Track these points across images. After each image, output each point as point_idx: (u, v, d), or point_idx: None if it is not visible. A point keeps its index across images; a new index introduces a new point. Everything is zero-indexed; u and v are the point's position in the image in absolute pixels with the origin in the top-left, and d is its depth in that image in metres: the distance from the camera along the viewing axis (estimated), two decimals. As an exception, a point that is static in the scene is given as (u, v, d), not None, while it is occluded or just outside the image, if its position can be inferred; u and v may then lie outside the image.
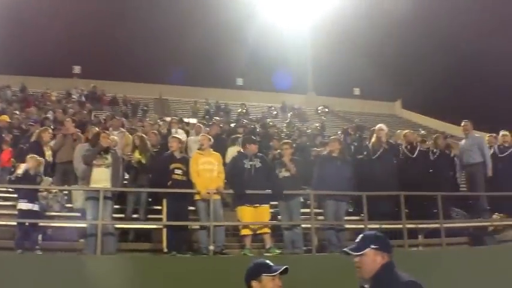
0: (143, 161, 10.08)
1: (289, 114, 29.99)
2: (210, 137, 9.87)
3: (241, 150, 9.71)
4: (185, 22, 40.26)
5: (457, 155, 11.92)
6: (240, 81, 40.38)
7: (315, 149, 11.46)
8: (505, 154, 11.53)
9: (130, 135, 11.54)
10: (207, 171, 9.11)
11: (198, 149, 9.69)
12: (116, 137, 10.58)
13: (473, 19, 39.47)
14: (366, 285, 3.50)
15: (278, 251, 8.80)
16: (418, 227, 10.06)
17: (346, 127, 13.66)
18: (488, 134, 12.36)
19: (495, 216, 10.83)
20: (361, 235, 3.59)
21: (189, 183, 9.11)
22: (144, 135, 10.95)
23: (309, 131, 17.45)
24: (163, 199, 9.03)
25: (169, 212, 8.91)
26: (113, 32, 41.38)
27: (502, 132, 12.02)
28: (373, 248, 3.44)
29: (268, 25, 38.75)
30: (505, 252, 9.94)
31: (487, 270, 9.10)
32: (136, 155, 10.16)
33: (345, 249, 3.55)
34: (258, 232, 9.05)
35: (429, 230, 10.22)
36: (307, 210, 9.43)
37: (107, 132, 10.16)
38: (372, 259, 3.44)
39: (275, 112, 31.46)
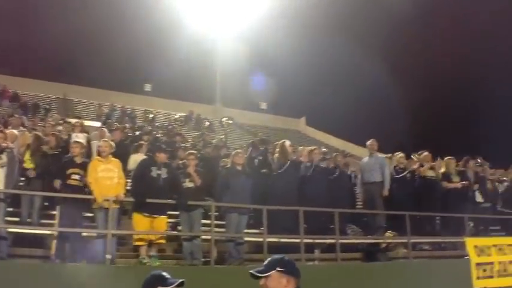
0: (31, 164, 9.61)
1: (195, 124, 29.88)
2: (112, 143, 9.64)
3: (147, 158, 9.59)
4: (98, 24, 39.07)
5: (355, 173, 12.36)
6: (148, 87, 39.78)
7: (224, 159, 11.50)
8: (400, 175, 12.10)
9: (29, 135, 11.02)
10: (107, 179, 8.93)
11: (98, 155, 9.43)
12: (16, 134, 10.10)
13: (376, 43, 41.21)
14: None
15: (158, 262, 8.66)
16: (315, 241, 10.29)
17: (252, 140, 13.76)
18: (385, 155, 12.89)
19: (388, 234, 11.30)
20: (269, 258, 3.62)
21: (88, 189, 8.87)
22: (40, 135, 10.52)
23: (214, 141, 17.45)
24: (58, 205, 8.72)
25: (62, 218, 8.59)
26: (21, 26, 39.51)
27: (399, 155, 12.61)
28: (278, 270, 3.47)
29: (183, 33, 38.43)
30: (395, 269, 10.46)
31: (378, 285, 9.55)
32: (27, 156, 9.69)
33: (251, 271, 3.55)
34: (154, 242, 8.93)
35: (325, 245, 10.47)
36: (209, 221, 9.43)
37: (3, 130, 9.65)
38: (277, 281, 3.46)
39: (181, 121, 31.20)
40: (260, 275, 3.49)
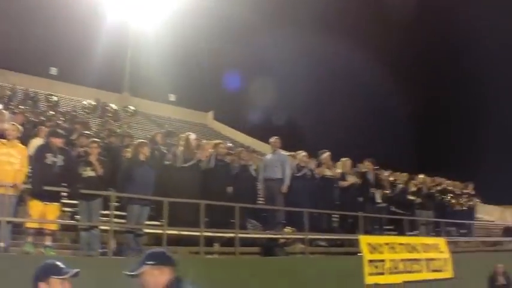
0: None
1: (100, 112, 29.15)
2: (19, 127, 9.17)
3: (43, 144, 9.25)
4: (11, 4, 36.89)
5: (257, 169, 12.55)
6: (53, 71, 38.13)
7: (127, 150, 11.32)
8: (300, 173, 12.45)
9: None
10: (6, 163, 8.50)
11: (2, 138, 8.97)
12: None
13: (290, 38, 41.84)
14: None
15: (53, 252, 8.45)
16: (215, 235, 10.39)
17: (156, 132, 13.64)
18: (288, 153, 13.18)
19: (287, 229, 11.59)
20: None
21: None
22: None
23: (118, 131, 17.14)
24: None
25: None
26: None
27: (302, 153, 12.94)
28: (149, 264, 3.54)
29: (97, 19, 37.26)
30: (292, 264, 10.77)
31: (276, 279, 9.80)
32: None
33: (124, 272, 3.61)
34: (47, 231, 8.65)
35: (225, 239, 10.60)
36: (109, 212, 9.28)
37: None
38: (151, 275, 3.53)
39: (89, 108, 30.27)
40: (133, 273, 3.55)
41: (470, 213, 18.54)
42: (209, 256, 10.22)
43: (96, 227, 9.15)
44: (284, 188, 12.00)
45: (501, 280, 13.52)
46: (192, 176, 10.77)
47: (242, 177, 11.86)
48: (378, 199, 14.13)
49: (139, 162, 9.85)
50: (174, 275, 3.57)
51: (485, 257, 15.81)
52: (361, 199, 13.57)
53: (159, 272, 3.52)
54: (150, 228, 10.04)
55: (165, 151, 11.58)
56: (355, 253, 12.17)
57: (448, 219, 16.56)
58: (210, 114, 42.39)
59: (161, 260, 3.58)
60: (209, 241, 10.26)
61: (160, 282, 3.52)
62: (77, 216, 9.49)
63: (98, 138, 11.52)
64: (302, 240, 11.56)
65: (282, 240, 11.60)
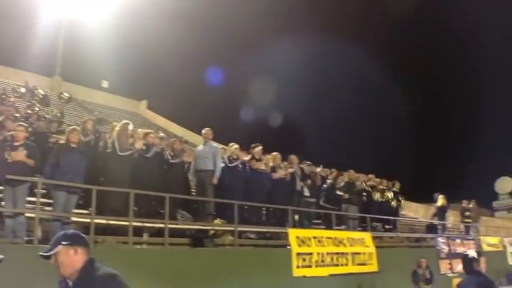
0: None
1: (29, 95, 28.20)
2: None
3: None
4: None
5: (190, 161, 12.57)
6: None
7: (55, 136, 11.07)
8: (232, 165, 12.57)
9: None
10: None
11: None
12: None
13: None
14: (69, 282, 3.61)
15: None
16: (145, 225, 10.35)
17: (87, 118, 13.40)
18: (221, 146, 13.26)
19: (217, 221, 11.68)
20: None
21: None
22: None
23: (48, 116, 16.68)
24: None
25: None
26: None
27: (234, 146, 13.05)
28: (64, 244, 3.57)
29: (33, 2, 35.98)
30: (221, 255, 10.87)
31: (204, 271, 9.89)
32: None
33: (39, 253, 3.62)
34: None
35: (155, 229, 10.57)
36: (35, 199, 9.09)
37: None
38: (66, 254, 3.58)
39: (19, 92, 29.20)
40: (47, 253, 3.57)
41: (395, 209, 19.22)
42: (138, 246, 10.17)
43: (22, 214, 8.95)
44: (215, 180, 12.07)
45: (424, 274, 14.06)
46: (124, 165, 10.68)
47: (173, 168, 11.85)
48: (307, 193, 14.44)
49: (70, 148, 9.69)
50: (89, 256, 3.62)
51: (409, 252, 16.43)
52: (290, 193, 13.86)
53: (74, 252, 3.57)
54: (78, 216, 9.89)
55: (96, 138, 11.40)
56: (283, 246, 12.40)
57: (374, 215, 17.13)
58: (144, 103, 41.86)
59: (76, 241, 3.63)
60: (138, 231, 10.21)
61: (75, 262, 3.57)
62: (2, 203, 9.25)
63: (25, 123, 11.23)
64: (232, 232, 11.67)
65: (211, 232, 11.66)
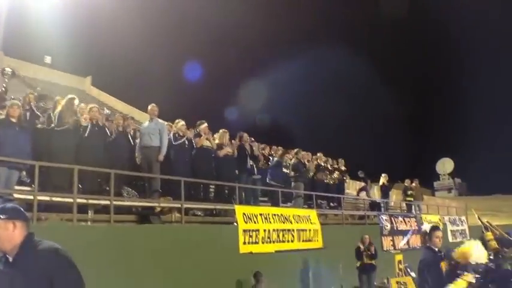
0: None
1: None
2: None
3: None
4: None
5: (136, 137, 12.44)
6: None
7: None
8: (178, 142, 12.51)
9: None
10: None
11: None
12: None
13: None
14: (9, 257, 3.57)
15: None
16: (89, 202, 10.20)
17: (29, 93, 13.03)
18: (166, 123, 13.13)
19: (163, 198, 11.62)
20: None
21: None
22: None
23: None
24: None
25: None
26: None
27: (180, 123, 12.97)
28: (2, 218, 3.57)
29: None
30: (168, 232, 10.85)
31: (150, 248, 9.85)
32: None
33: None
34: None
35: (100, 206, 10.44)
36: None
37: None
38: (4, 228, 3.57)
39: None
40: None
41: (340, 188, 19.60)
42: (82, 223, 10.02)
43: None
44: (161, 157, 11.98)
45: (368, 250, 14.39)
46: (68, 141, 10.47)
47: (118, 144, 11.70)
48: (254, 171, 14.54)
49: (9, 123, 9.42)
50: (28, 230, 3.57)
51: (353, 229, 16.80)
52: (237, 171, 13.92)
53: (12, 226, 3.56)
54: (20, 193, 9.65)
55: (39, 114, 11.13)
56: (230, 223, 12.47)
57: (319, 192, 17.42)
58: (88, 79, 40.99)
59: (14, 214, 3.61)
60: (83, 208, 10.05)
61: (14, 237, 3.56)
62: None
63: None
64: (178, 209, 11.65)
65: (158, 209, 11.61)
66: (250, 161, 14.50)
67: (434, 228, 7.06)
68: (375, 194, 26.16)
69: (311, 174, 17.92)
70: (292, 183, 16.45)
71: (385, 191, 23.12)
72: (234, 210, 12.47)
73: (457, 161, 49.10)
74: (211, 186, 13.58)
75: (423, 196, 29.72)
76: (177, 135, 12.75)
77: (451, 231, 27.22)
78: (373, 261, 14.30)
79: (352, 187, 24.22)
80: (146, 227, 10.74)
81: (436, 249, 6.83)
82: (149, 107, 12.61)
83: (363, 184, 22.72)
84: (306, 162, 17.59)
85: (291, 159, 16.84)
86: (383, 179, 23.08)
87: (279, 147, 17.29)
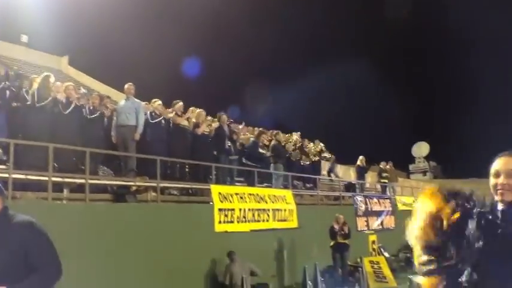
0: None
1: None
2: None
3: None
4: None
5: (112, 116, 12.42)
6: None
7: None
8: (154, 121, 12.54)
9: None
10: None
11: None
12: None
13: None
14: None
15: None
16: (65, 181, 10.21)
17: (5, 71, 12.93)
18: (144, 102, 13.13)
19: (139, 177, 11.66)
20: None
21: None
22: None
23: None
24: None
25: None
26: None
27: (157, 102, 12.99)
28: None
29: None
30: (144, 212, 10.93)
31: (126, 227, 9.93)
32: None
33: None
34: None
35: (75, 184, 10.45)
36: None
37: None
38: None
39: None
40: None
41: (316, 169, 19.82)
42: (58, 202, 10.04)
43: None
44: (137, 136, 11.99)
45: (341, 229, 14.59)
46: (43, 119, 10.43)
47: (94, 123, 11.68)
48: (232, 151, 14.63)
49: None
50: (4, 204, 3.61)
51: (328, 210, 17.02)
52: (215, 151, 14.00)
53: None
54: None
55: (14, 90, 11.05)
56: (206, 202, 12.57)
57: (295, 173, 17.60)
58: (65, 59, 40.46)
59: None
60: (58, 187, 10.07)
61: None
62: None
63: None
64: (154, 189, 11.71)
65: (133, 188, 11.65)
66: (228, 142, 14.57)
67: None
68: (351, 174, 26.48)
69: (288, 155, 18.08)
70: (272, 165, 16.60)
71: (360, 173, 23.41)
72: (209, 189, 12.56)
73: (433, 145, 49.61)
74: (187, 165, 13.64)
75: (398, 178, 30.16)
76: (153, 114, 12.76)
77: (425, 212, 27.60)
78: (346, 241, 14.53)
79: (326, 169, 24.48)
80: (122, 206, 10.79)
81: None
82: (126, 86, 12.56)
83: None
84: (283, 143, 17.76)
85: (269, 141, 16.97)
86: (359, 161, 23.35)
87: (256, 128, 17.41)
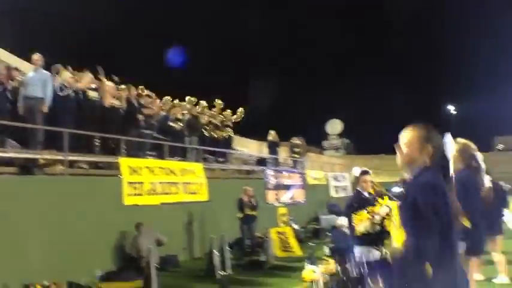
0: None
1: None
2: None
3: None
4: None
5: (18, 87, 12.24)
6: None
7: None
8: (63, 93, 12.50)
9: None
10: None
11: None
12: None
13: None
14: None
15: None
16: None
17: None
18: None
19: (47, 150, 11.60)
20: None
21: None
22: None
23: None
24: None
25: None
26: None
27: (67, 73, 12.85)
28: None
29: None
30: (51, 185, 10.91)
31: (33, 200, 9.93)
32: None
33: None
34: None
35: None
36: None
37: None
38: None
39: None
40: None
41: (228, 143, 20.22)
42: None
43: None
44: (45, 108, 11.88)
45: (249, 201, 15.01)
46: None
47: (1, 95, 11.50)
48: (142, 124, 14.73)
49: None
50: None
51: (239, 184, 17.43)
52: (125, 123, 14.06)
53: None
54: None
55: None
56: (115, 176, 12.64)
57: (207, 147, 17.93)
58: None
59: None
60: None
61: None
62: None
63: None
64: (62, 162, 11.68)
65: (41, 161, 11.57)
66: (139, 114, 14.64)
67: (363, 172, 7.03)
68: (263, 150, 27.13)
69: (201, 129, 18.33)
70: (187, 138, 16.84)
71: (272, 147, 24.07)
72: (119, 162, 12.62)
73: (346, 122, 51.35)
74: (96, 138, 13.61)
75: (309, 153, 31.16)
76: (62, 86, 12.65)
77: (334, 187, 28.87)
78: (254, 212, 15.00)
79: (239, 144, 24.95)
80: (29, 179, 10.66)
81: (365, 193, 6.92)
82: (34, 57, 12.37)
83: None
84: (196, 116, 17.98)
85: (179, 113, 17.15)
86: (270, 135, 23.99)
87: (167, 99, 17.50)
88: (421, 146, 3.05)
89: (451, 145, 3.07)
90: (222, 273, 11.49)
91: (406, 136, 3.13)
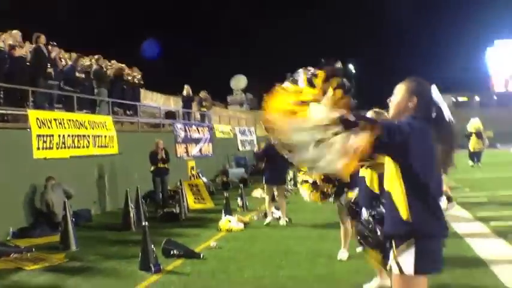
0: None
1: None
2: None
3: None
4: None
5: None
6: None
7: None
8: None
9: None
10: None
11: None
12: None
13: None
14: None
15: None
16: None
17: None
18: None
19: None
20: None
21: None
22: None
23: None
24: None
25: None
26: None
27: None
28: None
29: None
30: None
31: None
32: None
33: None
34: None
35: None
36: None
37: None
38: None
39: None
40: None
41: (136, 96, 20.05)
42: None
43: None
44: None
45: (161, 154, 14.98)
46: None
47: None
48: (52, 75, 14.32)
49: None
50: None
51: (149, 137, 17.39)
52: (33, 75, 13.59)
53: None
54: None
55: None
56: (24, 128, 12.25)
57: (116, 99, 17.70)
58: None
59: None
60: None
61: None
62: None
63: None
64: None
65: None
66: (48, 65, 14.18)
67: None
68: (171, 103, 27.08)
69: (111, 81, 18.02)
70: (95, 90, 16.52)
71: (187, 102, 24.17)
72: (27, 115, 12.25)
73: (250, 78, 51.83)
74: (2, 90, 13.05)
75: (215, 108, 31.42)
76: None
77: (241, 141, 29.43)
78: (166, 165, 15.06)
79: (148, 97, 24.73)
80: None
81: None
82: None
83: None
84: (104, 67, 17.66)
85: (89, 66, 16.77)
86: (185, 90, 24.09)
87: (73, 53, 17.03)
88: (409, 97, 3.32)
89: (438, 95, 3.33)
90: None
91: (397, 88, 3.42)
